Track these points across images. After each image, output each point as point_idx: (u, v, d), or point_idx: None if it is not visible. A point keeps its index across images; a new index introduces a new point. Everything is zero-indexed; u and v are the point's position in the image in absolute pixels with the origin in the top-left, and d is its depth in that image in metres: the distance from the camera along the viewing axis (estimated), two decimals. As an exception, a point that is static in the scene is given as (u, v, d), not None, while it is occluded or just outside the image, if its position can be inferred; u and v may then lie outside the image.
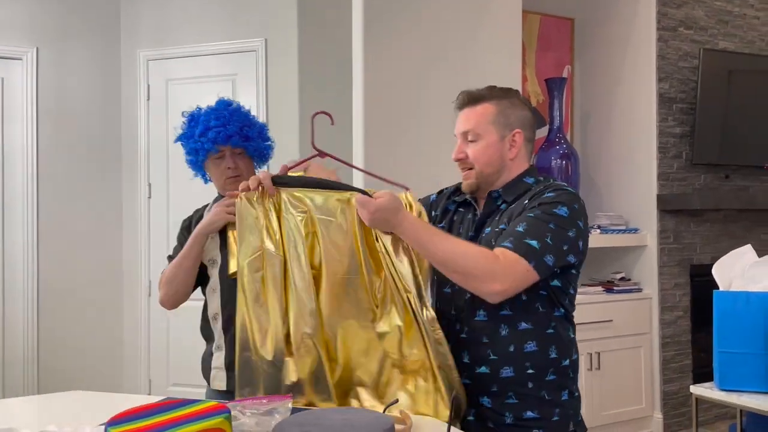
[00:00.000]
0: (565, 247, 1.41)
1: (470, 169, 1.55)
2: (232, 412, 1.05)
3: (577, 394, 1.52)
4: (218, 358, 1.84)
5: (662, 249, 3.81)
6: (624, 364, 3.67)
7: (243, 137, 1.88)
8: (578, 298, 3.59)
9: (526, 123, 1.57)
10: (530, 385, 1.44)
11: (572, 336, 1.53)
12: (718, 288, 2.13)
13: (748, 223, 4.11)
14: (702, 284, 3.96)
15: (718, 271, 2.12)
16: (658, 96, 3.82)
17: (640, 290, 3.81)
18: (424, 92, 3.11)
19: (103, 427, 1.27)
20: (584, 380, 3.53)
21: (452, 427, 1.21)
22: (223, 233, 1.81)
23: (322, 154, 1.76)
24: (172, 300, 1.89)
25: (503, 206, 1.53)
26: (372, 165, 2.92)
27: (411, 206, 1.51)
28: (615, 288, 3.74)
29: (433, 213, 1.71)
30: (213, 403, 1.00)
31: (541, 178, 1.57)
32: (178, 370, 3.87)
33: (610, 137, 4.09)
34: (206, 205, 2.02)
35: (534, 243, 1.37)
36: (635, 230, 3.86)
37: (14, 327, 3.83)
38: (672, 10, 3.85)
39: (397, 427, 1.11)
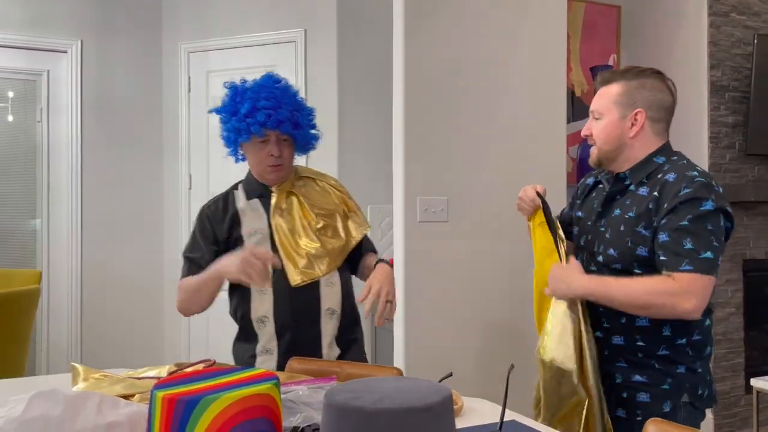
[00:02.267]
0: (723, 238, 1.51)
1: (594, 144, 1.67)
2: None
3: (700, 371, 1.58)
4: (265, 362, 1.77)
5: (713, 243, 3.67)
6: (673, 361, 3.55)
7: (293, 124, 1.76)
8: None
9: (655, 104, 1.61)
10: (640, 355, 1.57)
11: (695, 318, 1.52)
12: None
13: (804, 216, 3.94)
14: (756, 279, 3.81)
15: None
16: (709, 84, 3.68)
17: (689, 285, 3.67)
18: (466, 83, 3.04)
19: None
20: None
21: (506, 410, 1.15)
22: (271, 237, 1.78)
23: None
24: (187, 313, 1.88)
25: (632, 187, 1.61)
26: (412, 158, 2.88)
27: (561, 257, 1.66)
28: (663, 283, 3.62)
29: (579, 193, 1.84)
30: (261, 370, 0.97)
31: (675, 158, 1.62)
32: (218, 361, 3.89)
33: (658, 127, 3.96)
34: (224, 194, 1.91)
35: (708, 255, 1.44)
36: (684, 223, 3.73)
37: (59, 316, 3.89)
38: (724, -5, 3.71)
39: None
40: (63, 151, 3.93)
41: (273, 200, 1.83)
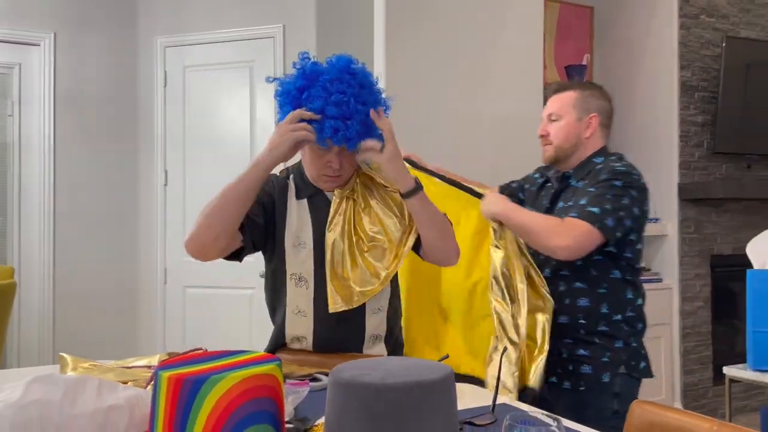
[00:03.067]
0: (621, 213, 1.67)
1: (549, 144, 1.85)
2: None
3: (635, 345, 1.77)
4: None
5: (683, 239, 3.77)
6: (644, 354, 3.64)
7: (365, 136, 1.48)
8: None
9: (604, 111, 1.86)
10: (582, 332, 1.76)
11: (630, 297, 1.78)
12: (739, 277, 2.09)
13: (770, 213, 4.07)
14: (723, 275, 3.92)
15: (752, 251, 2.09)
16: (679, 84, 3.78)
17: (660, 280, 3.77)
18: (446, 81, 3.08)
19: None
20: (604, 370, 3.50)
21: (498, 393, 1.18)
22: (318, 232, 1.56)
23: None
24: (203, 239, 1.46)
25: (574, 183, 1.82)
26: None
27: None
28: (635, 278, 3.71)
29: (527, 186, 2.04)
30: (261, 353, 0.98)
31: (612, 157, 1.82)
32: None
33: (630, 125, 4.05)
34: (283, 177, 1.66)
35: (594, 209, 1.65)
36: (656, 220, 3.82)
37: (30, 313, 3.82)
38: (694, -3, 3.82)
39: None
40: (35, 145, 3.85)
41: (332, 209, 1.58)
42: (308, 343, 1.60)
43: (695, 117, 3.84)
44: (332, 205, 1.59)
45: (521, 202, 1.97)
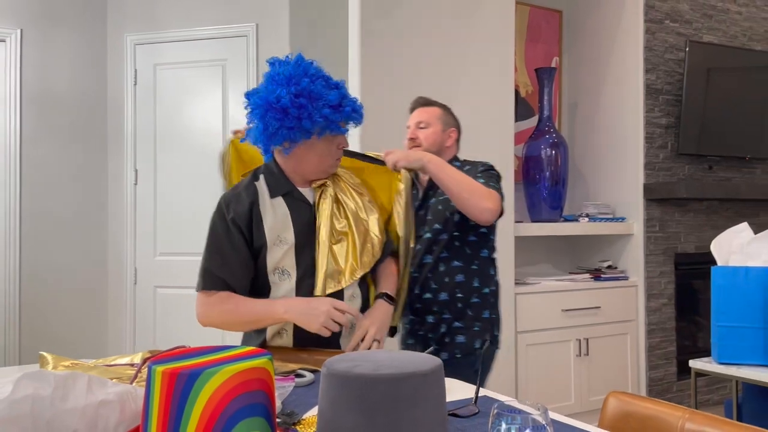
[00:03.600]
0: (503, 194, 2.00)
1: (419, 146, 2.12)
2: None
3: (495, 316, 2.08)
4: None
5: (648, 238, 3.87)
6: (611, 350, 3.73)
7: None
8: (566, 284, 3.65)
9: (458, 128, 2.22)
10: (459, 305, 2.03)
11: (492, 273, 2.11)
12: (701, 275, 2.17)
13: (731, 213, 4.21)
14: (686, 272, 4.04)
15: (716, 248, 2.16)
16: (644, 87, 3.88)
17: (626, 278, 3.87)
18: (420, 82, 3.12)
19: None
20: (573, 366, 3.57)
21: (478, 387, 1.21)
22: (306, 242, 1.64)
23: None
24: (210, 326, 1.64)
25: None
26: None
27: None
28: (602, 276, 3.79)
29: None
30: (252, 348, 0.99)
31: (465, 159, 2.17)
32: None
33: (597, 127, 4.15)
34: (245, 185, 1.68)
35: (498, 185, 1.98)
36: (622, 219, 3.92)
37: (-5, 315, 3.73)
38: (658, 3, 3.92)
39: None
40: (0, 144, 3.77)
41: (317, 199, 1.69)
42: (289, 336, 1.64)
43: (660, 119, 3.95)
44: (318, 200, 1.69)
45: None
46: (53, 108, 3.88)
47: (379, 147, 2.96)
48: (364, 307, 1.72)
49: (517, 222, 3.51)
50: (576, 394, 3.58)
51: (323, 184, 1.70)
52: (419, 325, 2.08)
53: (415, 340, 2.10)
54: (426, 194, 2.15)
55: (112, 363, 1.39)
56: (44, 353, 1.35)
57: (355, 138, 2.93)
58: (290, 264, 1.62)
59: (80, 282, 3.89)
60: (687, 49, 3.88)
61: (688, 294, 4.08)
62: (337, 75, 3.01)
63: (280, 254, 1.62)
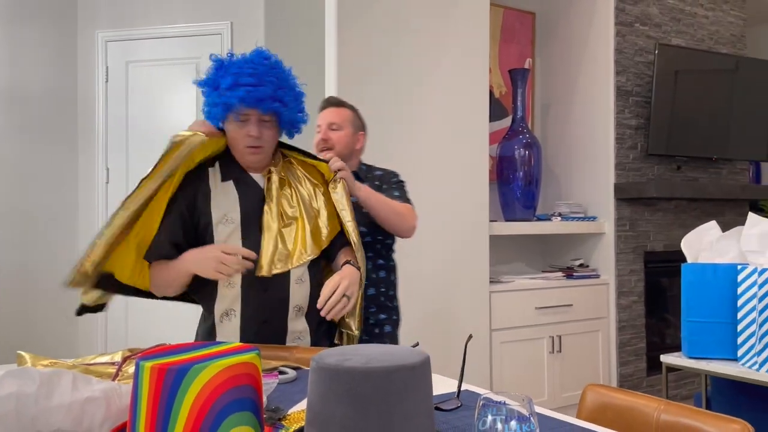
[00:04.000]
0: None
1: (330, 149, 2.12)
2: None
3: (397, 303, 2.22)
4: None
5: (619, 236, 3.95)
6: (583, 347, 3.79)
7: (277, 101, 1.65)
8: (540, 283, 3.70)
9: (365, 131, 2.24)
10: (382, 298, 2.14)
11: (395, 265, 2.23)
12: (670, 273, 2.22)
13: (698, 212, 4.31)
14: (655, 270, 4.13)
15: (686, 246, 2.22)
16: (615, 89, 3.96)
17: (597, 276, 3.94)
18: (395, 83, 3.13)
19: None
20: (546, 363, 3.63)
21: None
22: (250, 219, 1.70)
23: None
24: (161, 295, 1.77)
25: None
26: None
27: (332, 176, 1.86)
28: (574, 274, 3.86)
29: None
30: (240, 343, 1.00)
31: (370, 164, 2.24)
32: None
33: (569, 128, 4.21)
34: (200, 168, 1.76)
35: (409, 200, 2.08)
36: (593, 218, 3.99)
37: (-39, 316, 3.65)
38: (629, 6, 4.00)
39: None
40: (-34, 141, 3.68)
41: (265, 184, 1.76)
42: (236, 316, 1.68)
43: (630, 120, 4.03)
44: (266, 185, 1.75)
45: None
46: (23, 105, 3.80)
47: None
48: (314, 292, 1.74)
49: (491, 221, 3.55)
50: (549, 391, 3.64)
51: (269, 171, 1.77)
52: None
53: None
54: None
55: (92, 362, 1.37)
56: (22, 353, 1.33)
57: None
58: (236, 244, 1.68)
59: (50, 282, 3.82)
60: (656, 51, 3.96)
61: (657, 291, 4.17)
62: (313, 74, 3.02)
63: (226, 234, 1.69)
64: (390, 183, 2.13)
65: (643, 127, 4.06)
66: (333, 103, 2.22)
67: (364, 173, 2.19)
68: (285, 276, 1.70)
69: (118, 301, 3.83)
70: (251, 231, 1.70)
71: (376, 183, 2.14)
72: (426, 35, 3.24)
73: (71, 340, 3.88)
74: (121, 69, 3.89)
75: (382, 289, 2.15)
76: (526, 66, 4.25)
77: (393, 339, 2.16)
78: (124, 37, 3.86)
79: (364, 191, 1.90)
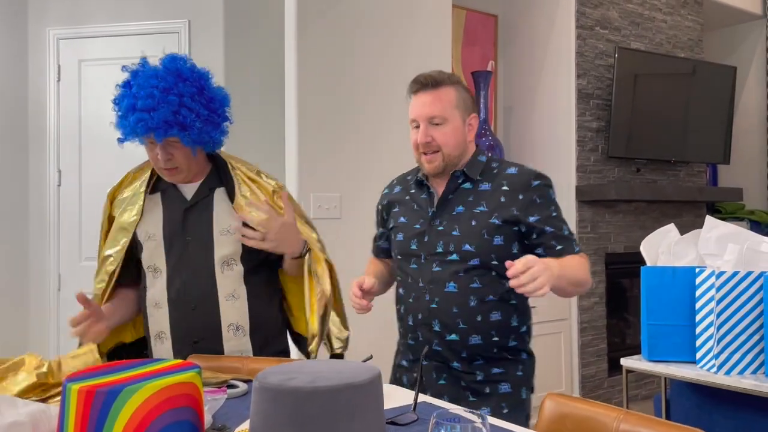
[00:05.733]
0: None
1: (435, 152, 1.61)
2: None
3: (532, 355, 1.70)
4: None
5: (580, 238, 3.97)
6: (546, 348, 3.80)
7: (175, 125, 1.52)
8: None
9: (475, 108, 1.69)
10: (495, 350, 1.61)
11: (528, 304, 1.68)
12: (630, 274, 2.22)
13: (657, 213, 4.36)
14: (616, 272, 4.17)
15: (645, 249, 2.22)
16: (576, 91, 3.98)
17: (560, 278, 3.95)
18: (357, 83, 3.09)
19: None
20: (510, 365, 3.63)
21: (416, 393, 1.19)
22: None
23: None
24: None
25: (466, 185, 1.64)
26: (305, 156, 2.88)
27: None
28: (537, 276, 3.86)
29: (386, 201, 1.82)
30: (179, 361, 0.94)
31: (491, 154, 1.77)
32: (91, 369, 3.64)
33: (531, 130, 4.22)
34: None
35: (574, 236, 1.63)
36: (556, 220, 4.00)
37: None
38: (589, 10, 4.03)
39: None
40: None
41: (188, 197, 1.68)
42: (168, 338, 1.64)
43: (591, 123, 4.05)
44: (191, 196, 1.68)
45: (384, 222, 1.82)
46: (-33, 104, 3.64)
47: (318, 146, 2.92)
48: (259, 308, 1.68)
49: (454, 224, 3.53)
50: (512, 393, 3.63)
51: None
52: (444, 374, 1.61)
53: (440, 387, 1.62)
54: (445, 200, 1.65)
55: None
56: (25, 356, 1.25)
57: (291, 136, 2.88)
58: (161, 261, 1.64)
59: (0, 287, 3.66)
60: (616, 55, 4.00)
61: (617, 292, 4.21)
62: (272, 74, 2.95)
63: (150, 252, 1.65)
64: (530, 198, 1.59)
65: (603, 129, 4.09)
66: (427, 84, 1.61)
67: (483, 169, 1.65)
68: (211, 293, 1.61)
69: (71, 309, 3.69)
70: (173, 247, 1.66)
71: (505, 189, 1.60)
72: (387, 36, 3.20)
73: (21, 349, 3.73)
74: (74, 68, 3.75)
75: (495, 339, 1.62)
76: (489, 68, 4.25)
77: (516, 404, 1.63)
78: (77, 34, 3.73)
79: (561, 280, 1.45)
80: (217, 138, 1.64)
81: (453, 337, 1.58)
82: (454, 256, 1.59)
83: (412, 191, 1.73)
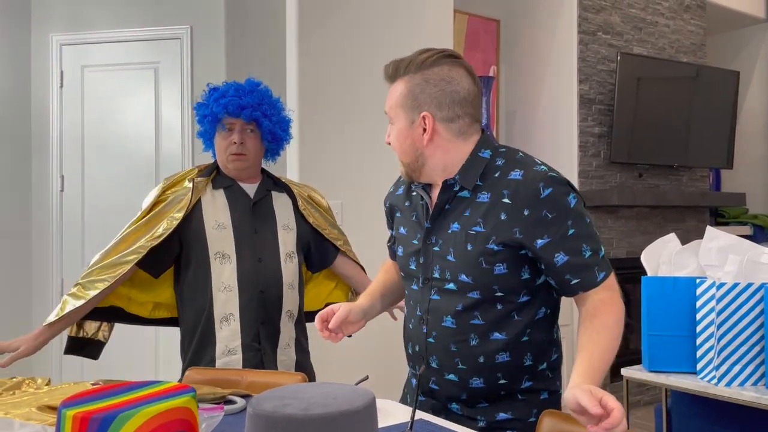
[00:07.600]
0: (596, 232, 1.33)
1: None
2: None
3: (560, 391, 1.39)
4: (230, 364, 1.73)
5: (582, 244, 3.96)
6: (548, 355, 3.79)
7: (258, 110, 1.80)
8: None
9: (444, 101, 1.31)
10: (502, 393, 1.34)
11: (554, 336, 1.38)
12: (632, 279, 2.21)
13: (660, 219, 4.35)
14: (618, 277, 4.13)
15: (646, 258, 2.21)
16: (578, 97, 3.98)
17: (562, 284, 3.94)
18: (359, 90, 3.09)
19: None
20: (511, 371, 3.62)
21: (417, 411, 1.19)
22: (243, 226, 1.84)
23: None
24: None
25: (464, 193, 1.33)
26: (307, 163, 2.88)
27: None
28: (539, 281, 3.85)
29: (388, 204, 1.58)
30: (174, 383, 0.94)
31: (503, 150, 1.34)
32: (92, 376, 3.65)
33: (533, 135, 4.22)
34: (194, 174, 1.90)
35: (603, 249, 1.32)
36: (558, 226, 3.99)
37: None
38: (591, 15, 4.03)
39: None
40: None
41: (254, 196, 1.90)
42: (236, 320, 1.74)
43: (593, 128, 4.05)
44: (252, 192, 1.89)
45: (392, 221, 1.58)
46: (-29, 111, 3.66)
47: (319, 151, 2.92)
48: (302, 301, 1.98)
49: (456, 230, 3.53)
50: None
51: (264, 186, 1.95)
52: (443, 415, 1.38)
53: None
54: (440, 211, 1.36)
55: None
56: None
57: (293, 148, 2.88)
58: (230, 248, 1.78)
59: (2, 294, 3.67)
60: (618, 60, 4.00)
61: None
62: (273, 80, 2.95)
63: (220, 239, 1.79)
64: (539, 216, 1.25)
65: (605, 135, 4.09)
66: (386, 77, 1.43)
67: (484, 171, 1.31)
68: (278, 280, 1.82)
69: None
70: (244, 235, 1.84)
71: (506, 201, 1.27)
72: (389, 42, 3.20)
73: (23, 362, 3.73)
74: (77, 73, 3.77)
75: (501, 382, 1.35)
76: (491, 73, 4.25)
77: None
78: (80, 40, 3.75)
79: (592, 379, 1.23)
80: (276, 148, 1.93)
81: (451, 377, 1.34)
82: (452, 285, 1.32)
83: (413, 194, 1.44)
